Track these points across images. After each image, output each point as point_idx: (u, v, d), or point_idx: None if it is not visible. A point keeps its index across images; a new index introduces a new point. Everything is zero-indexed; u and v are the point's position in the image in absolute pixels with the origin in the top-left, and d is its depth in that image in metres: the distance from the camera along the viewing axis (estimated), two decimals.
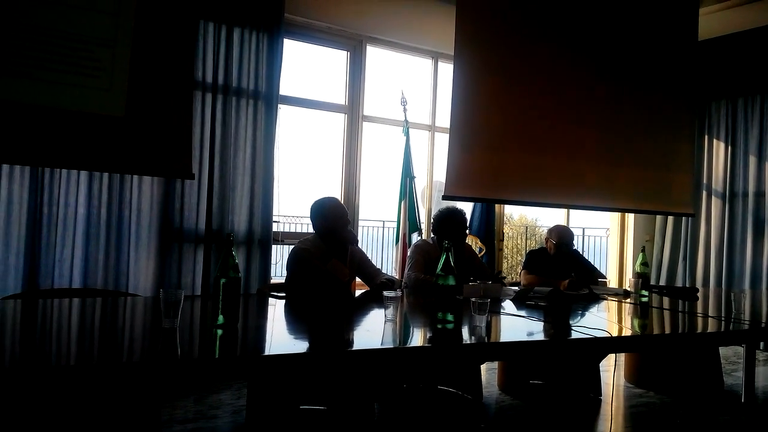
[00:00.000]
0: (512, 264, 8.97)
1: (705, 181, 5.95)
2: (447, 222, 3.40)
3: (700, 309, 3.08)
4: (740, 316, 2.70)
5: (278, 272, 4.70)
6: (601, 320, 2.54)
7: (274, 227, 4.50)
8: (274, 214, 4.48)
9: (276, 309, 2.46)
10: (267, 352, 1.76)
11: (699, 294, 3.72)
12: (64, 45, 3.27)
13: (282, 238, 4.64)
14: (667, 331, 2.63)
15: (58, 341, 1.83)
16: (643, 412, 3.42)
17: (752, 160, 5.60)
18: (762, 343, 5.19)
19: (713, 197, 5.88)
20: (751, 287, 5.37)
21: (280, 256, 4.57)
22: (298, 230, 5.50)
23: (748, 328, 2.52)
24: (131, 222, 3.95)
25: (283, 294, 2.69)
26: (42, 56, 3.21)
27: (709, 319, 2.76)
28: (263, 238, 4.39)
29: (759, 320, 2.67)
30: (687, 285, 5.77)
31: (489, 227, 5.37)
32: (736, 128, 5.76)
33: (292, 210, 6.00)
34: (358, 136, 5.07)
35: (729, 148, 5.79)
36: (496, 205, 5.55)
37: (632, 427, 3.19)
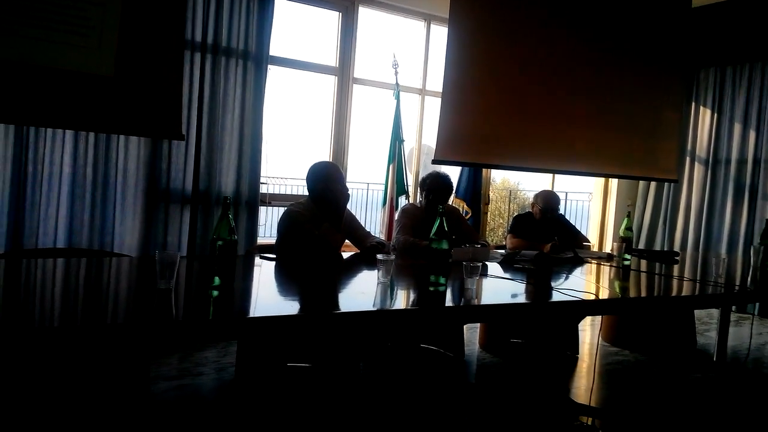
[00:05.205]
0: (493, 227, 9.08)
1: (689, 147, 6.03)
2: (433, 183, 3.48)
3: (679, 272, 3.17)
4: (717, 280, 2.80)
5: (265, 233, 4.72)
6: (584, 283, 2.61)
7: (262, 189, 4.50)
8: (261, 175, 4.47)
9: (268, 271, 2.49)
10: (261, 314, 1.79)
11: (678, 258, 3.82)
12: (53, 2, 3.17)
13: (269, 199, 4.64)
14: (649, 294, 2.72)
15: (49, 301, 1.84)
16: (617, 369, 3.56)
17: (737, 128, 5.67)
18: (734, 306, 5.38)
19: (696, 164, 5.97)
20: (727, 251, 5.52)
21: (266, 217, 4.57)
22: (286, 192, 5.49)
23: (723, 292, 2.62)
24: (117, 182, 3.92)
25: (274, 256, 2.71)
26: (30, 14, 3.12)
27: (687, 282, 2.85)
28: (250, 199, 4.39)
29: (733, 284, 2.76)
30: (666, 249, 5.91)
31: (476, 191, 5.42)
32: (723, 96, 5.81)
33: (280, 171, 5.96)
34: (348, 99, 5.03)
35: (715, 115, 5.85)
36: (484, 170, 5.58)
37: (607, 383, 3.32)
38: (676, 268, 3.36)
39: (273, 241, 3.16)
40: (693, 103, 6.02)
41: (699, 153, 5.96)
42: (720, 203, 5.76)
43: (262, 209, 4.54)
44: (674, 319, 3.95)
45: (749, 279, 3.06)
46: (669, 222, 6.11)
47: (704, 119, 5.96)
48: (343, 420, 2.55)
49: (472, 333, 3.95)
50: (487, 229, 6.19)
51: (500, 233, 8.90)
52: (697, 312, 4.57)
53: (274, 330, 1.76)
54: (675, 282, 2.91)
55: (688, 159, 6.03)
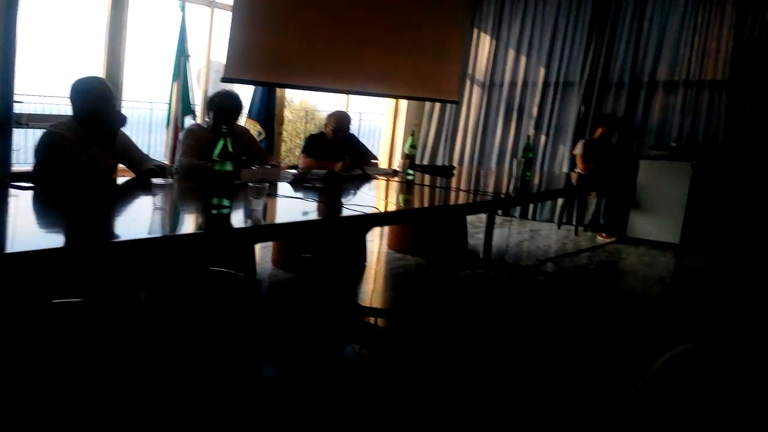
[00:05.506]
0: (290, 147, 9.08)
1: (470, 71, 6.54)
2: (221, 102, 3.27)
3: (456, 184, 3.50)
4: (485, 189, 3.15)
5: (21, 159, 4.14)
6: (371, 198, 2.74)
7: (17, 108, 3.89)
8: (16, 93, 3.85)
9: (24, 201, 2.17)
10: (15, 249, 1.56)
11: (455, 171, 4.20)
12: None
13: (26, 120, 4.04)
14: (429, 204, 2.96)
15: None
16: (400, 272, 3.96)
17: (511, 54, 6.28)
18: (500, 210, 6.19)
19: (475, 86, 6.53)
20: (497, 164, 6.25)
21: (24, 141, 3.98)
22: (47, 112, 4.79)
23: (491, 199, 2.96)
24: None
25: (31, 184, 2.36)
26: None
27: (462, 192, 3.17)
28: (2, 119, 3.76)
29: (499, 192, 3.13)
30: (446, 164, 6.49)
31: (269, 112, 5.28)
32: (501, 23, 6.34)
33: (39, 89, 5.21)
34: (125, 7, 4.45)
35: (494, 41, 6.39)
36: (278, 90, 5.44)
37: (391, 286, 3.69)
38: (453, 180, 3.69)
39: (31, 168, 2.75)
40: (475, 29, 6.49)
41: (478, 76, 6.51)
42: (493, 122, 6.42)
43: (18, 132, 3.93)
44: (450, 225, 4.42)
45: (512, 187, 3.50)
46: (450, 139, 6.68)
47: (484, 45, 6.47)
48: (120, 351, 2.41)
49: (265, 252, 3.97)
50: (284, 149, 6.16)
51: (297, 153, 8.92)
52: (469, 217, 5.17)
53: (30, 267, 1.54)
54: (452, 193, 3.21)
55: (468, 82, 6.56)
